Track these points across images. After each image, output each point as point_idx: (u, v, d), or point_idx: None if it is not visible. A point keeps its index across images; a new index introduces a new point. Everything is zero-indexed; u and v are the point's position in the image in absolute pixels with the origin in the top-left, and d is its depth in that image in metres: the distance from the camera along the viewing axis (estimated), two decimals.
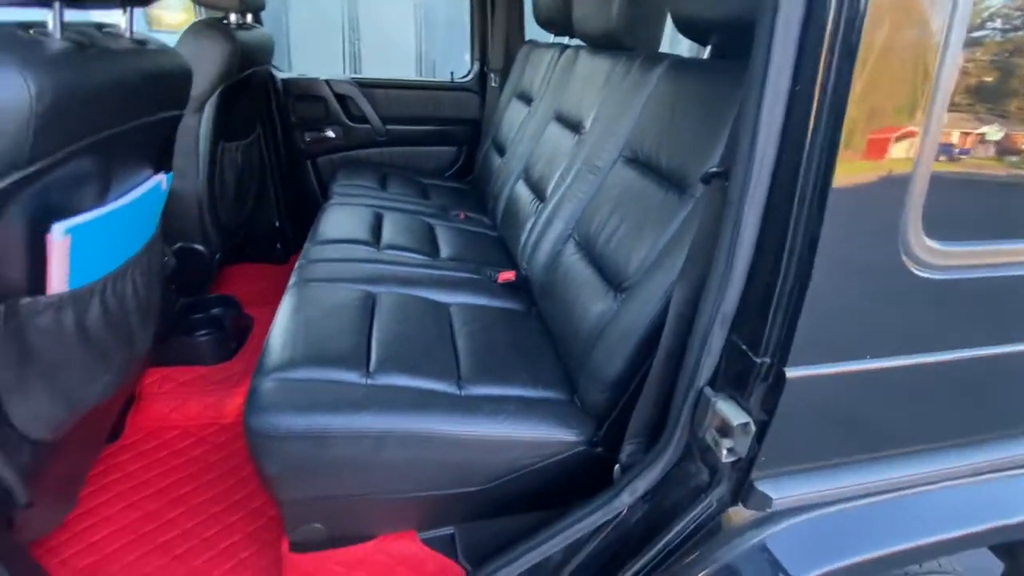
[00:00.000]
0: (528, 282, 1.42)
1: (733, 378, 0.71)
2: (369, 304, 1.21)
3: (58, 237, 0.81)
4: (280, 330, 1.07)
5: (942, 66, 0.57)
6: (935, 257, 0.65)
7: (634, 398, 0.88)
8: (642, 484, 0.80)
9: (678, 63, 1.23)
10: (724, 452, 0.69)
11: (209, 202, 1.68)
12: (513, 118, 2.12)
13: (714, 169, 0.72)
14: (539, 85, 2.00)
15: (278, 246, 2.38)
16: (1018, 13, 0.62)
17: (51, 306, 0.83)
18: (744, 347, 0.68)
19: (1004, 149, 0.67)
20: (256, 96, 2.10)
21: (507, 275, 1.47)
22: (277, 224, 2.39)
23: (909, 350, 0.70)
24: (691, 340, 0.74)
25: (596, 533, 0.85)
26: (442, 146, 2.59)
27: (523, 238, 1.52)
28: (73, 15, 0.82)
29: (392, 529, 1.06)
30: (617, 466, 0.89)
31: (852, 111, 0.56)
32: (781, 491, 0.71)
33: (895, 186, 0.61)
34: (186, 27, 1.65)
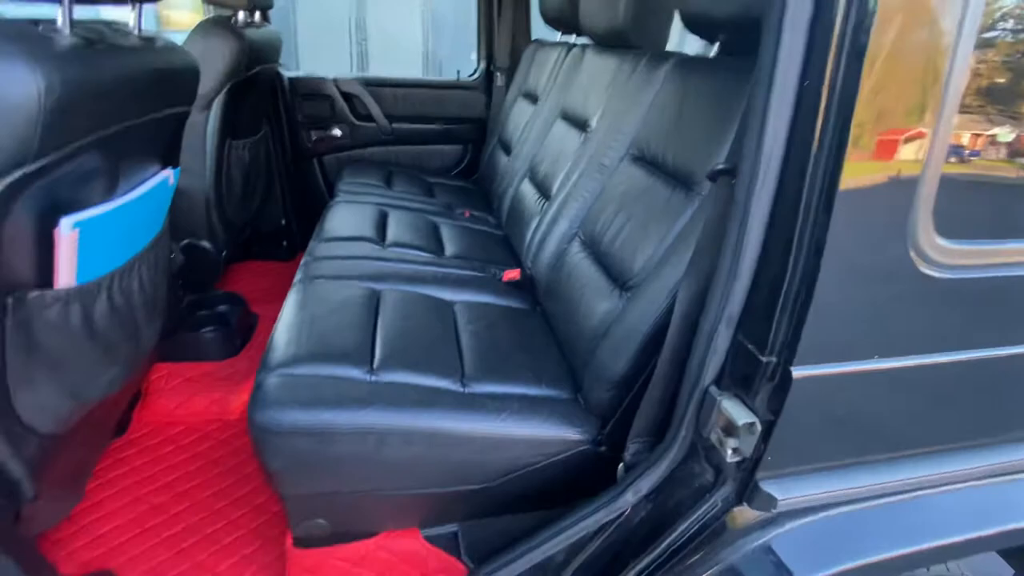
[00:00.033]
0: (533, 281, 1.42)
1: (739, 377, 0.70)
2: (374, 301, 1.21)
3: (66, 231, 0.81)
4: (285, 326, 1.08)
5: (953, 66, 0.57)
6: (946, 256, 0.64)
7: (638, 397, 0.88)
8: (646, 483, 0.80)
9: (685, 61, 1.22)
10: (729, 452, 0.69)
11: (216, 199, 1.69)
12: (519, 117, 2.12)
13: (721, 166, 0.72)
14: (545, 84, 1.99)
15: (284, 244, 2.40)
16: None
17: (59, 300, 0.84)
18: (750, 346, 0.67)
19: (1018, 144, 0.65)
20: (263, 94, 2.11)
21: (512, 273, 1.46)
22: (283, 222, 2.40)
23: (918, 350, 0.69)
24: (696, 339, 0.73)
25: (599, 532, 0.85)
26: (448, 145, 2.59)
27: (528, 237, 1.52)
28: (82, 12, 0.83)
29: (395, 526, 1.06)
30: (621, 465, 0.89)
31: (861, 109, 0.56)
32: (787, 492, 0.71)
33: (905, 183, 0.60)
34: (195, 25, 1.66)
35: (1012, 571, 1.04)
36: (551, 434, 0.96)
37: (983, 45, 0.58)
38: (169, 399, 1.50)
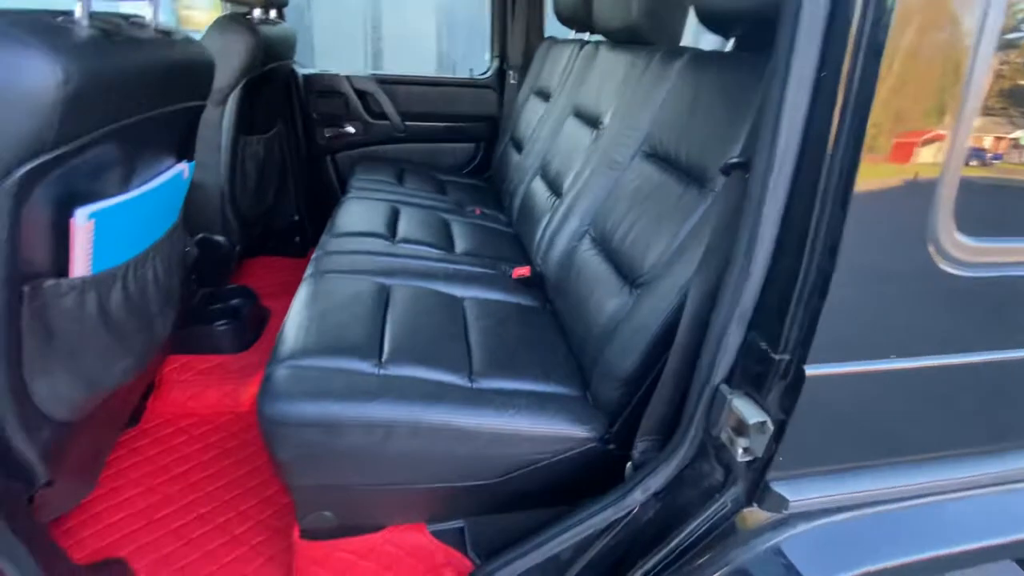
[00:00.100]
0: (543, 278, 1.41)
1: (750, 376, 0.69)
2: (383, 296, 1.21)
3: (82, 221, 0.82)
4: (295, 319, 1.08)
5: (974, 63, 0.55)
6: (968, 254, 0.63)
7: (648, 395, 0.87)
8: (655, 482, 0.79)
9: (699, 56, 1.21)
10: (740, 451, 0.68)
11: (230, 194, 1.70)
12: (531, 115, 2.12)
13: (735, 160, 0.71)
14: (558, 81, 1.99)
15: (297, 240, 2.41)
16: None
17: (74, 289, 0.85)
18: (762, 344, 0.66)
19: None
20: (278, 91, 2.13)
21: (522, 270, 1.46)
22: (296, 218, 2.42)
23: (936, 351, 0.67)
24: (708, 336, 0.72)
25: (606, 531, 0.84)
26: (460, 143, 2.59)
27: (538, 234, 1.51)
28: (100, 5, 0.84)
29: (401, 520, 1.06)
30: (629, 464, 0.88)
31: (879, 103, 0.54)
32: (798, 493, 0.69)
33: (925, 178, 0.59)
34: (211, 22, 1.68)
35: None
36: (559, 431, 0.95)
37: (1006, 46, 0.57)
38: (182, 391, 1.52)
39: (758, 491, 0.70)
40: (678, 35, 1.49)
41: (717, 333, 0.70)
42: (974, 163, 0.60)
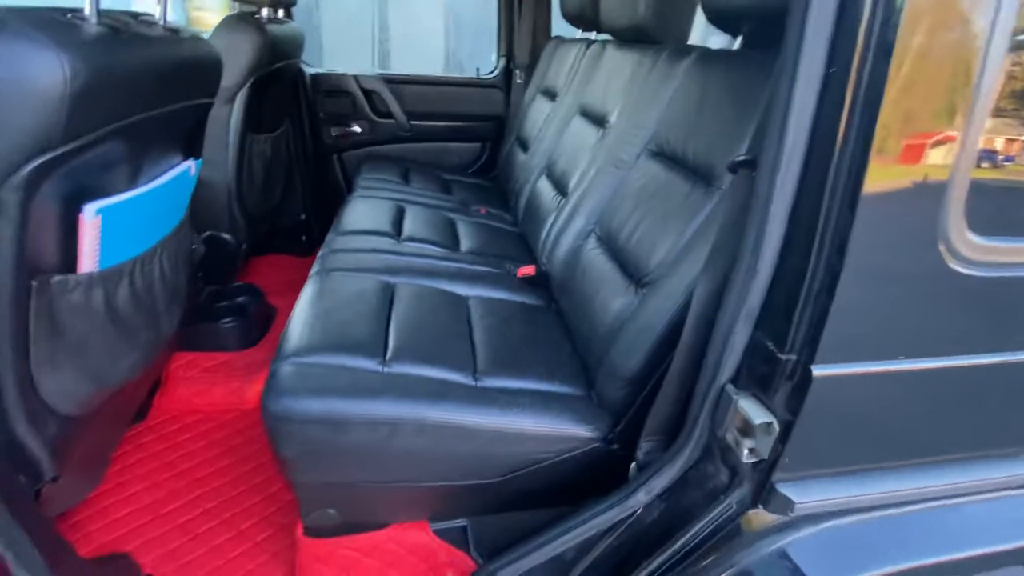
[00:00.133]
0: (548, 277, 1.41)
1: (756, 376, 0.68)
2: (388, 294, 1.21)
3: (89, 217, 0.83)
4: (300, 317, 1.08)
5: (985, 64, 0.54)
6: (979, 253, 0.62)
7: (652, 395, 0.86)
8: (659, 483, 0.78)
9: (707, 54, 1.20)
10: (745, 452, 0.67)
11: (237, 192, 1.71)
12: (537, 114, 2.12)
13: (742, 157, 0.70)
14: (564, 80, 1.98)
15: (303, 238, 2.42)
16: None
17: (81, 285, 0.86)
18: (769, 344, 0.65)
19: None
20: (285, 89, 2.14)
21: (527, 270, 1.46)
22: (303, 217, 2.43)
23: (947, 351, 0.66)
24: (713, 336, 0.72)
25: (610, 531, 0.83)
26: (466, 142, 2.59)
27: (544, 233, 1.51)
28: (110, 2, 0.85)
29: (405, 518, 1.06)
30: (633, 464, 0.88)
31: (889, 99, 0.54)
32: (804, 495, 0.69)
33: (935, 175, 0.58)
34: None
35: None
36: (563, 430, 0.94)
37: (1017, 47, 0.56)
38: (188, 387, 1.53)
39: (764, 493, 0.70)
40: (685, 34, 1.48)
41: (723, 332, 0.69)
42: (985, 165, 0.59)
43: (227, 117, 1.63)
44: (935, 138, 0.57)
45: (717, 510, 0.73)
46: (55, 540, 0.87)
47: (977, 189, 0.59)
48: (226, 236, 1.74)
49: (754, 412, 0.66)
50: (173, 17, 1.04)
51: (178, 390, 1.52)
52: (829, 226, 0.58)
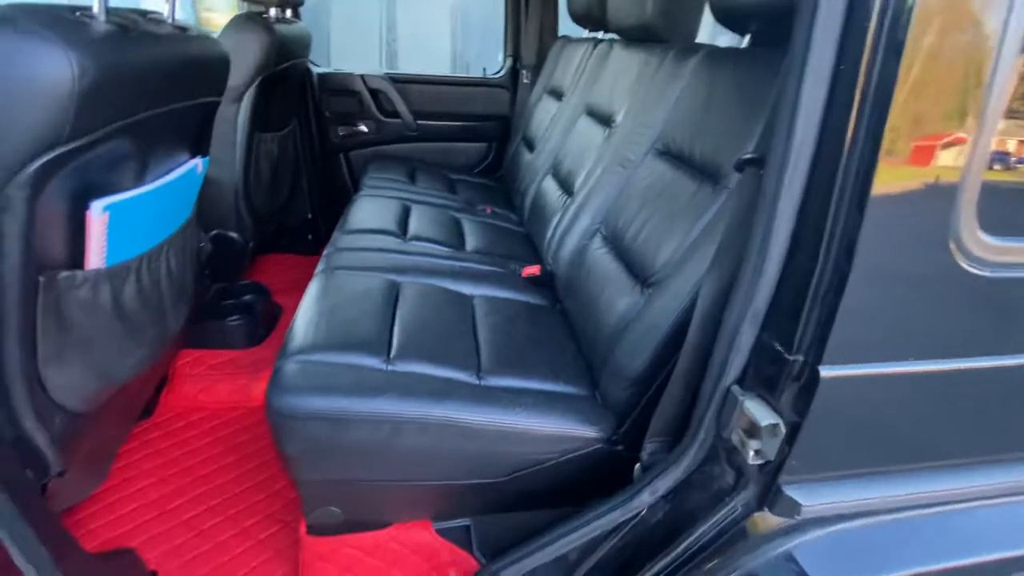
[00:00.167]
0: (553, 277, 1.40)
1: (763, 377, 0.67)
2: (393, 293, 1.21)
3: (97, 214, 0.83)
4: (305, 314, 1.09)
5: (997, 65, 0.54)
6: (991, 253, 0.60)
7: (657, 396, 0.85)
8: (663, 484, 0.77)
9: (714, 53, 1.19)
10: (751, 454, 0.66)
11: (244, 191, 1.72)
12: (543, 114, 2.11)
13: (750, 155, 0.69)
14: (571, 80, 1.98)
15: (310, 237, 2.43)
16: None
17: (88, 281, 0.86)
18: (776, 344, 0.65)
19: None
20: (293, 89, 2.15)
21: (531, 269, 1.45)
22: (309, 216, 2.43)
23: (958, 353, 0.65)
24: (719, 336, 0.71)
25: (613, 533, 0.83)
26: (472, 142, 2.59)
27: (549, 233, 1.50)
28: (118, 1, 0.85)
29: (408, 517, 1.06)
30: (637, 465, 0.87)
31: (900, 94, 0.53)
32: (811, 498, 0.68)
33: (947, 174, 0.57)
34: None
35: None
36: (566, 430, 0.94)
37: None
38: (194, 385, 1.53)
39: (770, 495, 0.69)
40: (693, 33, 1.47)
41: (729, 333, 0.68)
42: (998, 167, 0.58)
43: (235, 116, 1.64)
44: (946, 139, 0.56)
45: (722, 512, 0.72)
46: (60, 534, 0.87)
47: (990, 190, 0.58)
48: (233, 234, 1.75)
49: (760, 413, 0.65)
50: (183, 17, 1.05)
51: (184, 387, 1.52)
52: (838, 225, 0.58)
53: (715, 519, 0.72)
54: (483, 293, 1.31)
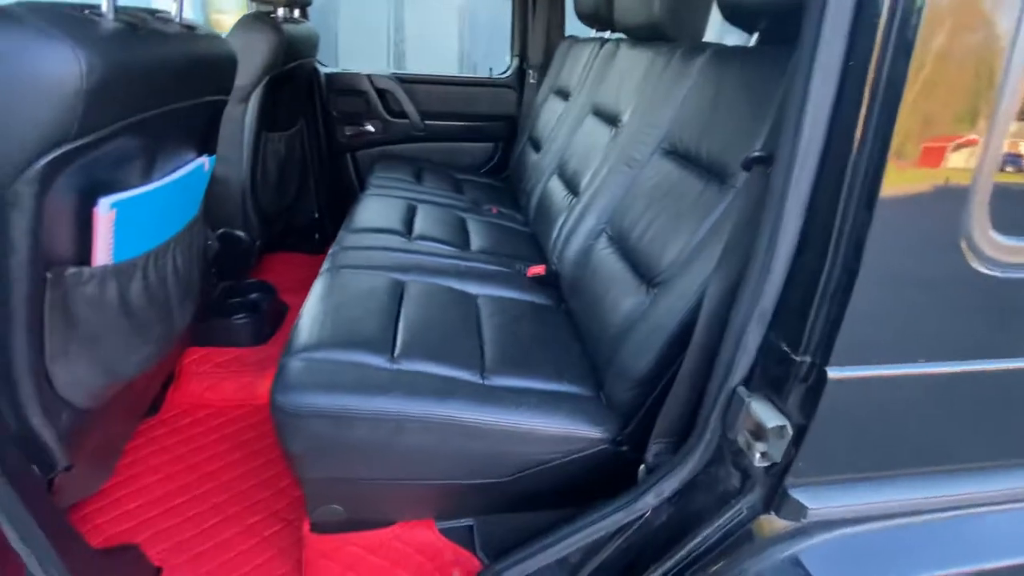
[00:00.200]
0: (558, 277, 1.40)
1: (770, 378, 0.66)
2: (398, 292, 1.21)
3: (104, 211, 0.84)
4: (310, 312, 1.09)
5: (1010, 66, 0.53)
6: (1004, 253, 0.59)
7: (663, 396, 0.85)
8: (668, 486, 0.77)
9: (721, 51, 1.18)
10: (757, 456, 0.65)
11: (251, 189, 1.73)
12: (550, 114, 2.11)
13: (757, 153, 0.68)
14: (578, 80, 1.97)
15: (316, 236, 2.44)
16: None
17: (95, 277, 0.87)
18: (783, 345, 0.64)
19: None
20: (300, 88, 2.16)
21: (537, 269, 1.45)
22: (316, 215, 2.44)
23: (969, 355, 0.64)
24: (726, 336, 0.70)
25: (617, 534, 0.82)
26: (479, 142, 2.59)
27: (555, 233, 1.50)
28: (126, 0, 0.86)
29: (411, 516, 1.06)
30: (642, 467, 0.86)
31: (907, 103, 0.52)
32: (818, 501, 0.67)
33: (957, 180, 0.56)
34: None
35: None
36: (570, 431, 0.93)
37: None
38: (200, 382, 1.54)
39: (776, 498, 0.68)
40: (700, 31, 1.46)
41: (736, 333, 0.68)
42: (1010, 168, 0.57)
43: (242, 115, 1.64)
44: (956, 141, 0.55)
45: (728, 515, 0.71)
46: (66, 530, 0.88)
47: (1002, 191, 0.57)
48: (240, 233, 1.76)
49: (767, 415, 0.64)
50: (192, 17, 1.06)
51: (191, 385, 1.53)
52: (846, 224, 0.57)
53: (720, 522, 0.72)
54: (488, 292, 1.31)
